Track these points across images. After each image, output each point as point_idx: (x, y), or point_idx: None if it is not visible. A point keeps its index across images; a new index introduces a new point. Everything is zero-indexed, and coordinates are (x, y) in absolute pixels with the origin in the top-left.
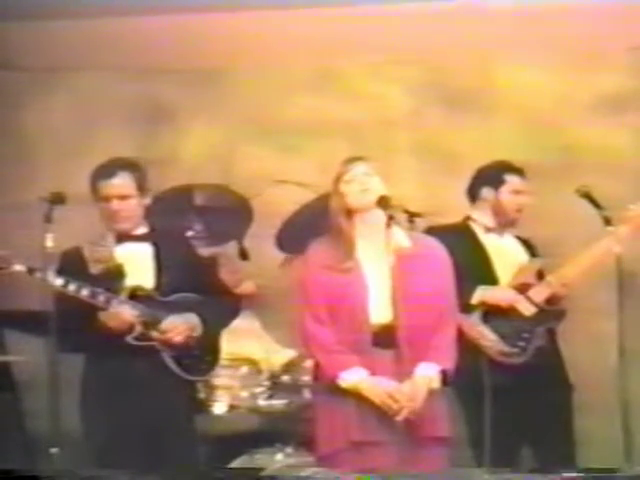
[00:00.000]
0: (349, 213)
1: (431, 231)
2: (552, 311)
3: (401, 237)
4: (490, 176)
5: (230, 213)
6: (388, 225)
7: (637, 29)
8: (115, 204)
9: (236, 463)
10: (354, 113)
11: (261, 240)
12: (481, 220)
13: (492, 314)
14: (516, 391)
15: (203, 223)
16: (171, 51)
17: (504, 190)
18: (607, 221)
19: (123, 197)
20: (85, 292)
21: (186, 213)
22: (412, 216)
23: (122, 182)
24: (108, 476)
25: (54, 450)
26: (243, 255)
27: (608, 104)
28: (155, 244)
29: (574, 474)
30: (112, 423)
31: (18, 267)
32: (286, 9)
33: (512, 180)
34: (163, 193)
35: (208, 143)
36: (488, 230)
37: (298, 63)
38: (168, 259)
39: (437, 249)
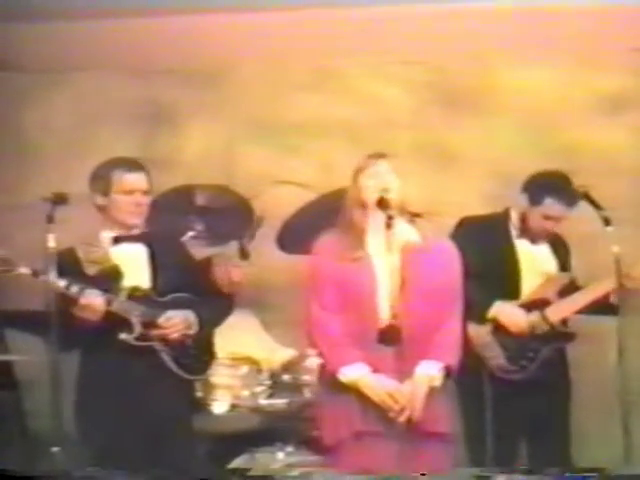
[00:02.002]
0: (364, 206)
1: (466, 222)
2: (564, 332)
3: (410, 234)
4: (535, 188)
5: (231, 213)
6: (388, 225)
7: (638, 30)
8: (139, 197)
9: (237, 462)
10: (354, 113)
11: (261, 240)
12: (514, 221)
13: (502, 327)
14: (515, 400)
15: (204, 223)
16: (171, 51)
17: (536, 210)
18: (607, 221)
19: (145, 192)
20: (87, 293)
21: (187, 213)
22: (412, 216)
23: (145, 178)
24: (108, 476)
25: (55, 449)
26: (243, 255)
27: (608, 105)
28: (149, 245)
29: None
30: (110, 422)
31: (23, 270)
32: (286, 9)
33: (549, 204)
34: (164, 193)
35: (208, 143)
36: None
37: (298, 63)
38: (162, 260)
39: (446, 246)
